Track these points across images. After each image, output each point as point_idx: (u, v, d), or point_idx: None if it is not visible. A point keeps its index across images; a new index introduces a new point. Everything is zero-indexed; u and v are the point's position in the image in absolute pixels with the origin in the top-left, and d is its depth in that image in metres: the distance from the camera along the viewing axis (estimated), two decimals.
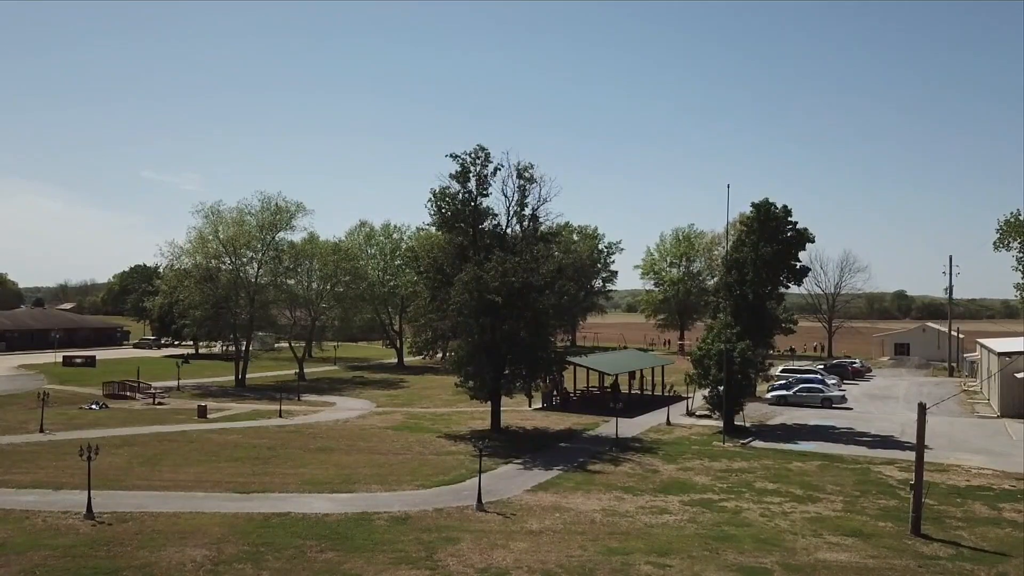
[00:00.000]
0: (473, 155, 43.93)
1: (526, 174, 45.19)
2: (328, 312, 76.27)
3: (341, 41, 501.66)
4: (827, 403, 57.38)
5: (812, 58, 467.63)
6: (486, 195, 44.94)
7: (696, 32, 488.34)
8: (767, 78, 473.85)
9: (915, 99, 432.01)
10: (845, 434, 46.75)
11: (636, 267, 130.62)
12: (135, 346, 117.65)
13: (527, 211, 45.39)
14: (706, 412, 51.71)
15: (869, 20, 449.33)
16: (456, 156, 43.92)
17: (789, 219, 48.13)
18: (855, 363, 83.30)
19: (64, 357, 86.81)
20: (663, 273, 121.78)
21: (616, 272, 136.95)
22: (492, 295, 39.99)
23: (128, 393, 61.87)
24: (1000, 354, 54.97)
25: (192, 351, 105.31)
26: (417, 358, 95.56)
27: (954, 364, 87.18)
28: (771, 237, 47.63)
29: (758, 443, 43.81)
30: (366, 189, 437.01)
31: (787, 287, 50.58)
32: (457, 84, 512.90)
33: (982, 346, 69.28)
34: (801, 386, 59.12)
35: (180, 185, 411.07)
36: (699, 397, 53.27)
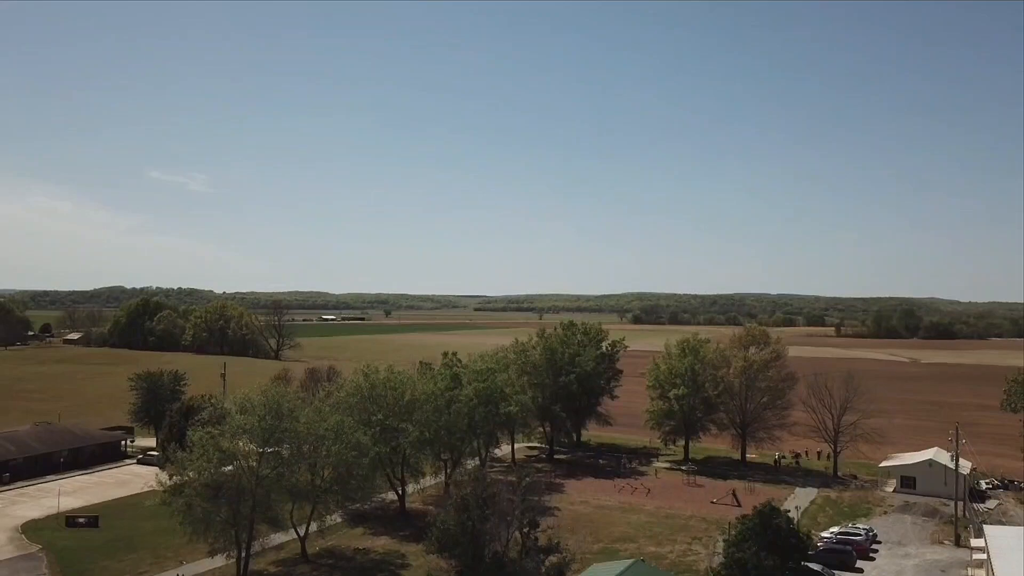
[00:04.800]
0: (474, 493, 43.80)
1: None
2: (331, 502, 76.03)
3: (350, 43, 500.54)
4: None
5: (811, 60, 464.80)
6: (486, 520, 44.68)
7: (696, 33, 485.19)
8: (766, 74, 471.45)
9: (923, 99, 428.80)
10: None
11: (642, 373, 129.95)
12: (139, 461, 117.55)
13: (526, 526, 45.14)
14: None
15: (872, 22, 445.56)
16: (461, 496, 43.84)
17: (791, 527, 47.70)
18: (859, 535, 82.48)
19: (67, 518, 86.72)
20: (668, 387, 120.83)
21: (621, 371, 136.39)
22: None
23: None
24: None
25: None
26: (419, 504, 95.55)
27: (961, 529, 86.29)
28: (771, 547, 47.12)
29: None
30: (372, 183, 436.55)
31: None
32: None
33: (988, 559, 68.41)
34: None
35: (187, 185, 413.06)
36: None
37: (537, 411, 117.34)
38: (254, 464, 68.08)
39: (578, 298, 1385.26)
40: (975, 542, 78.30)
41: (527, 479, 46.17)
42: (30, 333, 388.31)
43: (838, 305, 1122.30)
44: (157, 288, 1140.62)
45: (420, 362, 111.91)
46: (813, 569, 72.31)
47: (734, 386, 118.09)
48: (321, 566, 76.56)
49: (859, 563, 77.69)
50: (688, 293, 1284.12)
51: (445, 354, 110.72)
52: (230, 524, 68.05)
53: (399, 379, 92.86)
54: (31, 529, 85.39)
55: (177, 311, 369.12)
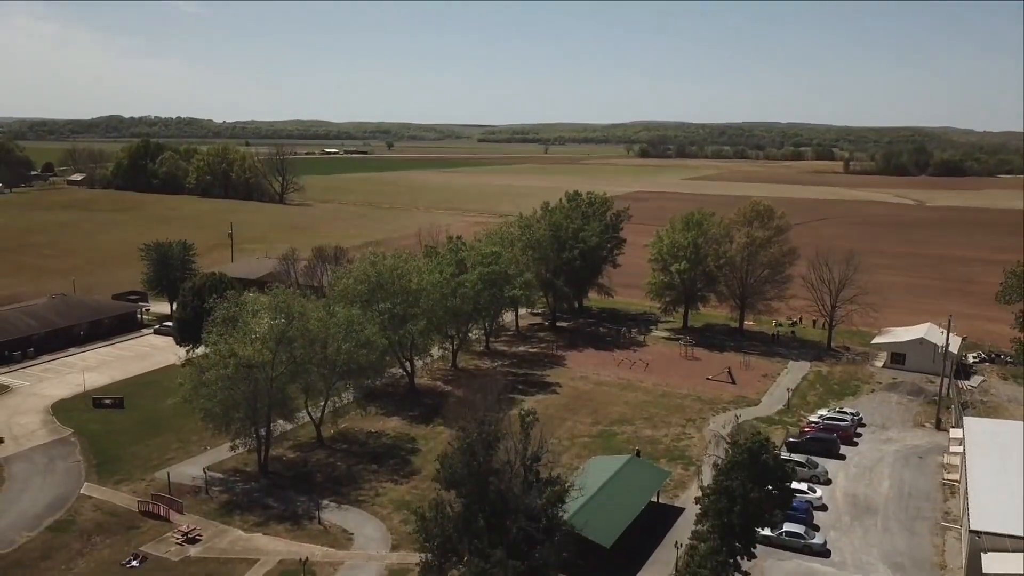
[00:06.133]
0: (480, 439, 46.16)
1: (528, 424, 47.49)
2: (342, 389, 79.91)
3: None
4: (808, 550, 62.13)
5: None
6: (492, 454, 47.43)
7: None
8: None
9: None
10: None
11: (645, 245, 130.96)
12: (156, 332, 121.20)
13: (528, 460, 48.07)
14: None
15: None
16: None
17: (780, 463, 50.42)
18: (845, 420, 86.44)
19: (94, 399, 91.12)
20: (670, 261, 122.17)
21: (624, 240, 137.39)
22: None
23: (161, 512, 66.75)
24: (972, 531, 58.51)
25: None
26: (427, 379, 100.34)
27: (944, 412, 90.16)
28: (760, 479, 50.05)
29: None
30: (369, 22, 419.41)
31: (777, 520, 53.46)
32: None
33: (962, 452, 71.99)
34: (786, 529, 63.12)
35: (179, 6, 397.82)
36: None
37: (540, 285, 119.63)
38: (268, 363, 70.78)
39: (585, 128, 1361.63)
40: (954, 432, 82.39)
41: (530, 417, 48.51)
42: (33, 173, 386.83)
43: (849, 136, 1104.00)
44: (155, 118, 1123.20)
45: (426, 246, 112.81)
46: (798, 460, 77.13)
47: (735, 260, 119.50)
48: (336, 451, 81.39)
49: (843, 449, 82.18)
50: (696, 122, 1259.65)
51: (450, 238, 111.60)
52: (249, 421, 71.92)
53: (405, 266, 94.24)
54: (61, 410, 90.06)
55: (179, 152, 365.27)
